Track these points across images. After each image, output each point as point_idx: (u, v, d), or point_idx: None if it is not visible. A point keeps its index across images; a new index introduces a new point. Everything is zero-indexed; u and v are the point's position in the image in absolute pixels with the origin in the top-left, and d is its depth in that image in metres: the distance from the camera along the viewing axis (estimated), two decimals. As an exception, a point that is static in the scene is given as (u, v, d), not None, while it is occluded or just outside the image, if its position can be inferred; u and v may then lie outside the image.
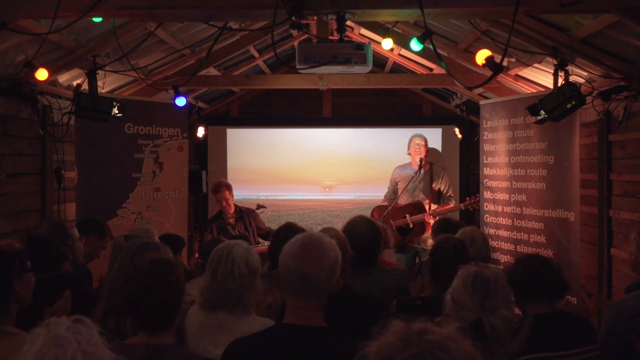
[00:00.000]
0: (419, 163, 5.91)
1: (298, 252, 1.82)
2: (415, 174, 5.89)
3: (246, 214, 6.02)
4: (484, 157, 5.62)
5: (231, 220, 5.94)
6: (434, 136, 7.53)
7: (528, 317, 2.43)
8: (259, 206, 6.09)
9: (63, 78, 4.78)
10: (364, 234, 3.05)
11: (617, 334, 2.60)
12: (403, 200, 5.95)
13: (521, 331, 2.16)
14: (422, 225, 5.65)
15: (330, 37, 4.97)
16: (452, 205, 5.94)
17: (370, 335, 1.13)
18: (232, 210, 6.00)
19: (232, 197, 6.00)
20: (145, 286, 1.92)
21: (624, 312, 2.66)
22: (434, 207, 5.75)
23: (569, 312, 2.58)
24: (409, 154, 6.16)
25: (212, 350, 2.39)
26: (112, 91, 5.31)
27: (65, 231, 3.00)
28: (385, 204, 6.01)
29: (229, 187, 5.99)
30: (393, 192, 6.15)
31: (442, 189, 5.94)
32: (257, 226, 6.09)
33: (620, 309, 2.71)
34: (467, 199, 5.67)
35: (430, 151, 6.21)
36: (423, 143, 5.88)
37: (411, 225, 5.68)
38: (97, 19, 3.83)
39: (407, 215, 5.72)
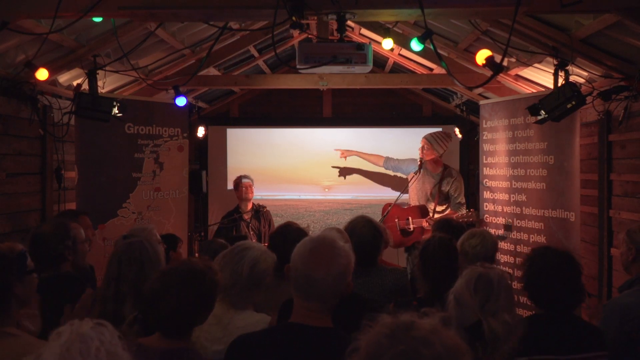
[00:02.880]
0: (418, 163, 5.91)
1: (307, 255, 1.81)
2: (416, 174, 5.89)
3: (262, 213, 6.12)
4: (484, 157, 5.62)
5: (246, 217, 6.02)
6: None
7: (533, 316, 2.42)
8: (259, 206, 6.15)
9: (63, 78, 4.78)
10: (365, 234, 3.06)
11: (612, 332, 2.60)
12: (412, 198, 5.95)
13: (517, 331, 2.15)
14: (421, 231, 5.64)
15: (330, 37, 4.97)
16: (447, 213, 5.73)
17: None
18: (250, 207, 6.11)
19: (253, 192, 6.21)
20: (163, 291, 1.93)
21: (617, 310, 2.68)
22: (439, 208, 5.73)
23: (578, 316, 2.56)
24: None
25: (209, 347, 2.40)
26: (112, 91, 5.31)
27: (67, 232, 3.00)
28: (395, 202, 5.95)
29: (250, 179, 6.22)
30: (395, 164, 6.25)
31: (451, 194, 5.81)
32: (270, 227, 6.14)
33: (614, 308, 2.73)
34: (466, 212, 5.56)
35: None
36: (422, 145, 5.84)
37: (411, 229, 5.68)
38: (98, 19, 3.83)
39: (410, 218, 5.69)
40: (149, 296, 1.96)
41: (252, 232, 5.99)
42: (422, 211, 5.72)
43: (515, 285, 4.20)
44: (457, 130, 7.41)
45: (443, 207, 5.74)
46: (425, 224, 5.55)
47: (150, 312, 1.96)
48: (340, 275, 1.82)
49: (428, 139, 5.84)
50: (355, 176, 8.28)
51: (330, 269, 1.80)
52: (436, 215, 5.63)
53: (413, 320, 1.13)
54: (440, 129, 6.65)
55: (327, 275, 1.79)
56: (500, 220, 5.38)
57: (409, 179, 5.97)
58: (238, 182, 6.20)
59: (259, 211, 6.10)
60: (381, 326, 1.13)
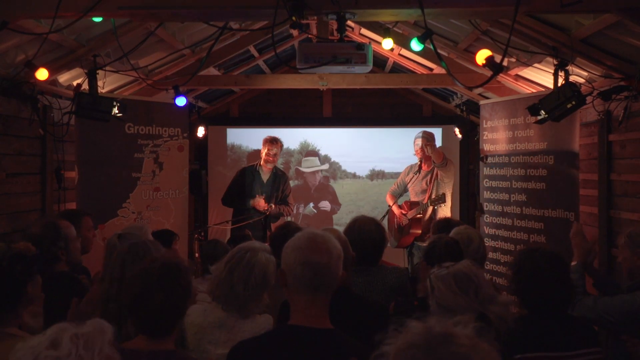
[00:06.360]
0: (418, 164, 5.91)
1: (306, 246, 1.81)
2: (415, 175, 5.89)
3: (281, 177, 6.16)
4: (484, 157, 5.62)
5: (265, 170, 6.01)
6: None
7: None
8: (280, 170, 6.25)
9: (63, 78, 4.78)
10: (374, 231, 3.06)
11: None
12: (412, 198, 5.99)
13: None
14: (409, 225, 5.71)
15: (330, 37, 4.97)
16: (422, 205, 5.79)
17: (372, 340, 1.10)
18: (271, 168, 6.10)
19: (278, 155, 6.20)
20: (147, 290, 1.90)
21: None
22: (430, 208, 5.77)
23: (572, 315, 2.56)
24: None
25: (212, 350, 2.39)
26: (112, 91, 5.31)
27: (57, 232, 2.99)
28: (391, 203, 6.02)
29: (282, 145, 6.16)
30: (398, 188, 6.16)
31: (445, 181, 5.81)
32: (285, 194, 6.16)
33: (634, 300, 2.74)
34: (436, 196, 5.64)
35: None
36: (420, 143, 5.84)
37: (403, 224, 5.75)
38: (98, 19, 3.83)
39: (404, 215, 5.76)
40: (131, 300, 1.93)
41: (264, 197, 5.97)
42: (413, 206, 5.79)
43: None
44: (457, 130, 7.41)
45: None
46: (410, 214, 5.67)
47: (134, 315, 1.94)
48: (339, 259, 1.84)
49: (427, 137, 5.84)
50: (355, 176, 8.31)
51: (331, 253, 1.82)
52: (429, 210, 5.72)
53: (450, 332, 1.03)
54: (440, 129, 6.67)
55: (330, 258, 1.81)
56: (501, 220, 5.38)
57: (407, 181, 6.00)
58: (273, 141, 6.07)
59: (279, 175, 6.15)
60: (413, 335, 1.04)
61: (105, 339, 1.20)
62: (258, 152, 6.47)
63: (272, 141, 6.07)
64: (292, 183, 7.26)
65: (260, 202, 5.85)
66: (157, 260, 2.01)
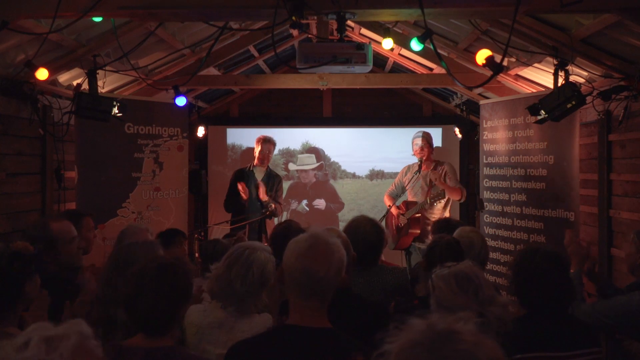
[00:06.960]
0: (419, 164, 5.89)
1: (306, 253, 1.80)
2: (415, 175, 5.87)
3: (275, 177, 6.13)
4: (484, 157, 5.62)
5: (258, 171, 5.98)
6: (434, 136, 7.47)
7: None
8: (265, 207, 6.16)
9: (63, 78, 4.78)
10: (370, 232, 3.06)
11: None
12: (410, 198, 5.97)
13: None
14: (408, 225, 5.69)
15: (330, 37, 4.97)
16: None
17: (372, 340, 1.08)
18: (266, 167, 6.09)
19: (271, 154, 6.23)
20: (140, 290, 1.91)
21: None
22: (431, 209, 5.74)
23: (571, 315, 2.56)
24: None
25: (212, 350, 2.39)
26: (112, 91, 5.31)
27: (44, 232, 2.98)
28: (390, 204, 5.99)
29: (275, 144, 6.21)
30: (395, 189, 6.13)
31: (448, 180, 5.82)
32: (277, 195, 6.14)
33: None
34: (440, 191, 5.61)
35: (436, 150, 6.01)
36: (420, 143, 5.81)
37: (401, 225, 5.72)
38: (98, 19, 3.83)
39: (401, 215, 5.74)
40: (125, 300, 1.94)
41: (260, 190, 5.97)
42: (411, 205, 5.76)
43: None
44: (457, 130, 7.41)
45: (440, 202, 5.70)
46: (408, 213, 5.62)
47: (129, 315, 1.95)
48: (339, 269, 1.83)
49: (426, 137, 5.82)
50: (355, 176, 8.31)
51: (331, 264, 1.80)
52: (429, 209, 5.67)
53: (452, 329, 1.01)
54: (440, 129, 6.64)
55: (328, 270, 1.79)
56: (501, 220, 5.38)
57: (405, 182, 5.97)
58: (265, 142, 6.10)
59: (272, 174, 6.14)
60: (416, 333, 1.01)
61: (69, 344, 1.15)
62: (251, 150, 6.48)
63: (265, 140, 6.10)
64: (287, 180, 7.27)
65: (261, 191, 5.86)
66: (154, 261, 2.02)
